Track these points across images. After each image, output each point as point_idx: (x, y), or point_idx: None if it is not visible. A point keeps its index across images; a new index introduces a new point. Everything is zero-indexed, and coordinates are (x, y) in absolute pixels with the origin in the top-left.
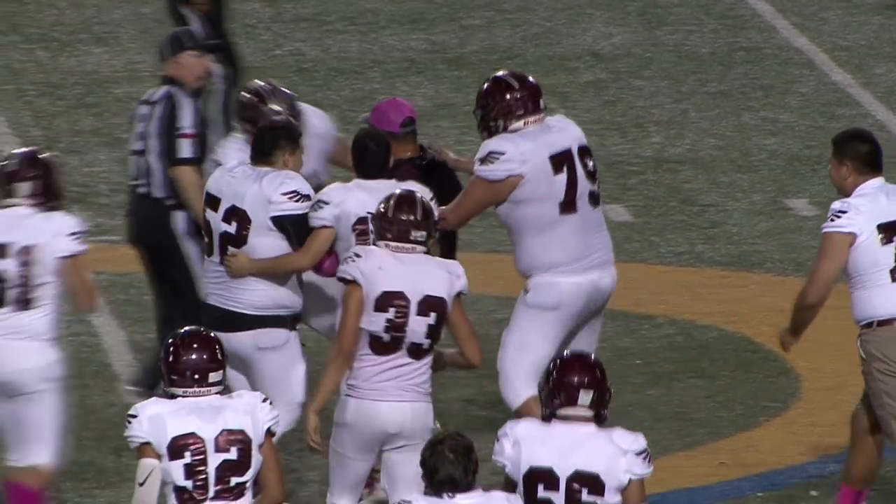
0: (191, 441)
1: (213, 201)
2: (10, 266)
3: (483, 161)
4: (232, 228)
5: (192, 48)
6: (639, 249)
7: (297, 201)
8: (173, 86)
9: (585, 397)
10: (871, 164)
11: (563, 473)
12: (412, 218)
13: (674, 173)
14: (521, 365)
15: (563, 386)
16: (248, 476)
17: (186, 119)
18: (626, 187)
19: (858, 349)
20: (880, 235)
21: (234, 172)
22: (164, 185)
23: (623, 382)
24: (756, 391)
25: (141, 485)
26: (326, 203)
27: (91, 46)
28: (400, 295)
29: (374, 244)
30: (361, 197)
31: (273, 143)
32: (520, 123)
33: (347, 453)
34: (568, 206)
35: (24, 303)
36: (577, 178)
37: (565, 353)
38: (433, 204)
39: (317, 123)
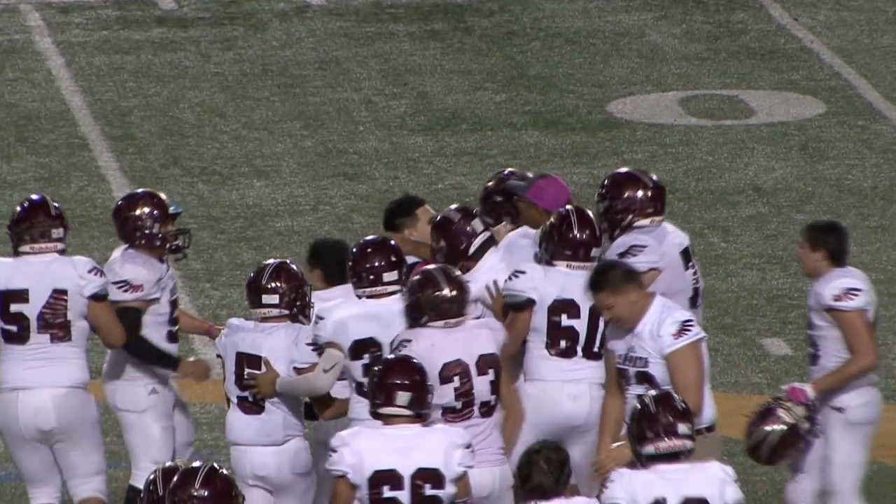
0: (370, 345)
1: None
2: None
3: (623, 255)
4: None
5: None
6: (796, 382)
7: None
8: None
9: (403, 398)
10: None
11: (407, 472)
12: (456, 293)
13: None
14: None
15: (383, 387)
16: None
17: None
18: (787, 321)
19: None
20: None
21: None
22: None
23: None
24: None
25: (326, 371)
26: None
27: (252, 180)
28: (458, 363)
29: (425, 325)
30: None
31: (390, 220)
32: (646, 221)
33: None
34: (694, 299)
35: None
36: (697, 274)
37: (390, 356)
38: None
39: None
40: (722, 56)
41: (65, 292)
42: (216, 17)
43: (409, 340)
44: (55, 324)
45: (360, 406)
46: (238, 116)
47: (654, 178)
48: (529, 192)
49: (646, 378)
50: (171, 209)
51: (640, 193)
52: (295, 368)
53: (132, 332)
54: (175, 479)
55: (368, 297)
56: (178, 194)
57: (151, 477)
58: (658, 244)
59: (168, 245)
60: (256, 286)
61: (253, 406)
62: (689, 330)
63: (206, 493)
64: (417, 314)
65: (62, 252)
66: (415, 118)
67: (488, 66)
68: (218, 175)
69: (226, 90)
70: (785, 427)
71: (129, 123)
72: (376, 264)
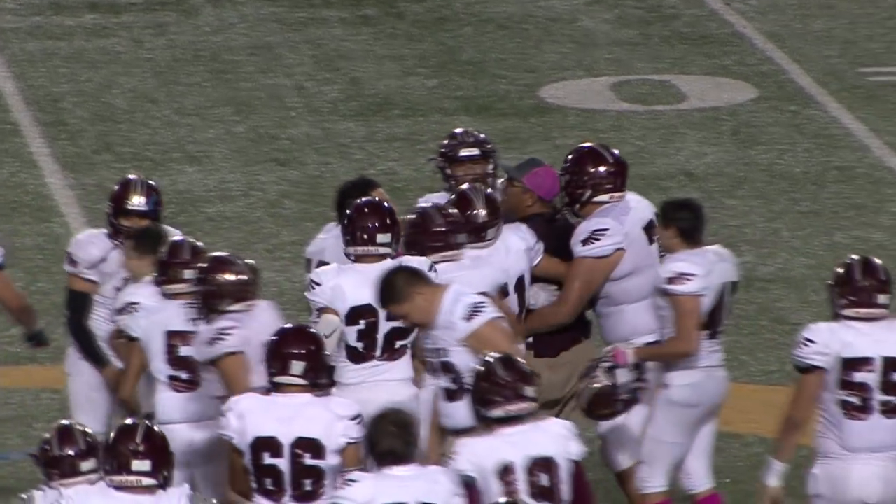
0: (367, 311)
1: None
2: None
3: (587, 241)
4: None
5: None
6: (729, 368)
7: None
8: None
9: (297, 367)
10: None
11: (286, 440)
12: (252, 275)
13: (765, 292)
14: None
15: (277, 356)
16: (411, 338)
17: None
18: None
19: None
20: None
21: None
22: None
23: None
24: None
25: (327, 336)
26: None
27: (184, 166)
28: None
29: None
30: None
31: (343, 200)
32: (606, 197)
33: None
34: None
35: None
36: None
37: (286, 326)
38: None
39: None
40: (654, 41)
41: None
42: (148, 3)
43: (233, 328)
44: None
45: (350, 371)
46: (170, 102)
47: (616, 153)
48: (527, 177)
49: (448, 368)
50: (132, 204)
51: (600, 169)
52: None
53: (79, 315)
54: (115, 433)
55: (359, 257)
56: (109, 180)
57: (47, 436)
58: (619, 224)
59: (119, 237)
60: (179, 263)
61: (186, 383)
62: (480, 311)
63: (144, 448)
64: (215, 301)
65: None
66: (346, 104)
67: (420, 51)
68: (150, 161)
69: (158, 76)
70: (599, 385)
71: (62, 109)
72: (369, 224)
